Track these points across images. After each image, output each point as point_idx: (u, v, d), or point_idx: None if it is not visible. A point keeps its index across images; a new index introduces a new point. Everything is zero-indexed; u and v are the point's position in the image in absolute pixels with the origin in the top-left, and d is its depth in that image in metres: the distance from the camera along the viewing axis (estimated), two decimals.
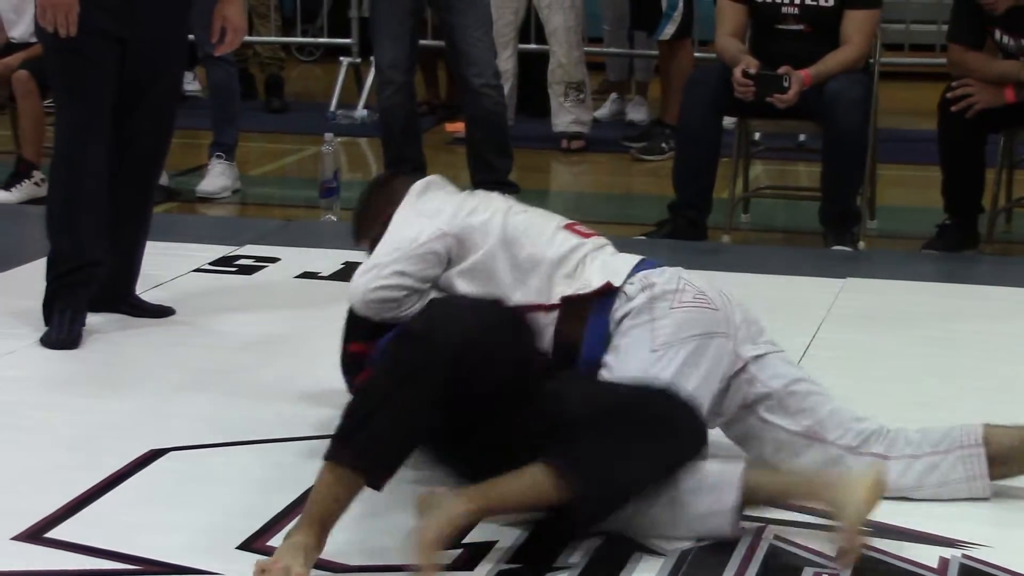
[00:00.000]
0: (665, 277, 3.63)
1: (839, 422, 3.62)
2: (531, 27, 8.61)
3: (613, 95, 9.06)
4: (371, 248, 3.85)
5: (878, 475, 3.32)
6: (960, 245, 6.07)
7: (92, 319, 4.82)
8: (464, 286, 3.68)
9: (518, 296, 3.63)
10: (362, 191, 4.12)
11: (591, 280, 3.63)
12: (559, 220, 3.81)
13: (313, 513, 3.18)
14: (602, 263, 3.67)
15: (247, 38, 8.29)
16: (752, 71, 5.98)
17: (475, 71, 6.44)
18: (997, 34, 5.98)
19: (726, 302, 3.66)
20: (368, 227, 3.94)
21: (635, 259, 3.71)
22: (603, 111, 8.94)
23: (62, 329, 4.69)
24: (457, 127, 7.98)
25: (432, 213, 3.74)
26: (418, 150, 6.70)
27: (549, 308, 3.62)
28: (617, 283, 3.61)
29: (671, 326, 3.53)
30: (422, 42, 7.48)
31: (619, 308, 3.58)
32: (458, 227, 3.70)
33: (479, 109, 6.50)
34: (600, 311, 3.60)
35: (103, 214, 4.76)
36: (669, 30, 7.85)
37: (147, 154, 4.89)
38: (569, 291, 3.62)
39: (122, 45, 4.68)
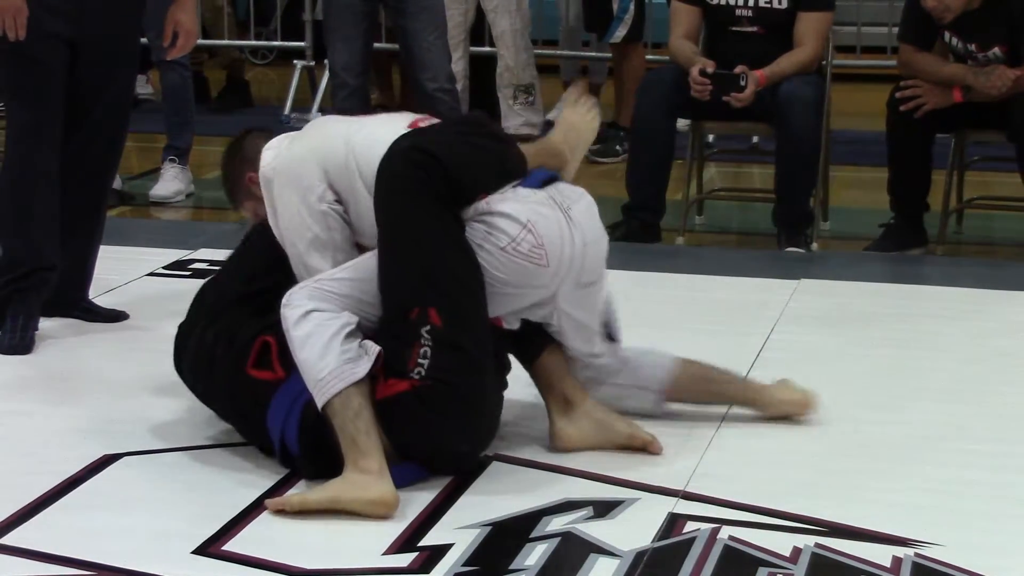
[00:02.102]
0: (514, 210, 3.70)
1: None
2: (484, 30, 8.60)
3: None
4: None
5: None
6: (906, 244, 6.11)
7: (45, 324, 4.79)
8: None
9: None
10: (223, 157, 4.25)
11: None
12: (406, 120, 3.90)
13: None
14: None
15: (202, 41, 8.31)
16: (709, 71, 6.01)
17: (429, 75, 6.44)
18: (946, 36, 6.02)
19: (563, 255, 3.74)
20: (238, 195, 4.15)
21: None
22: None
23: (15, 334, 4.67)
24: None
25: (297, 185, 3.84)
26: None
27: None
28: None
29: (490, 268, 3.68)
30: (376, 45, 7.46)
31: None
32: (326, 179, 3.81)
33: (433, 113, 6.50)
34: None
35: (55, 218, 4.74)
36: (620, 33, 7.86)
37: (100, 158, 4.86)
38: None
39: (72, 48, 4.66)
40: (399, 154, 3.66)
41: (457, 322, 3.60)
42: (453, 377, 3.59)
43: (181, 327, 4.04)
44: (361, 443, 3.51)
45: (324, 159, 3.83)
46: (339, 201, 3.81)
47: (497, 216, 3.70)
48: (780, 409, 4.08)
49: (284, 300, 3.66)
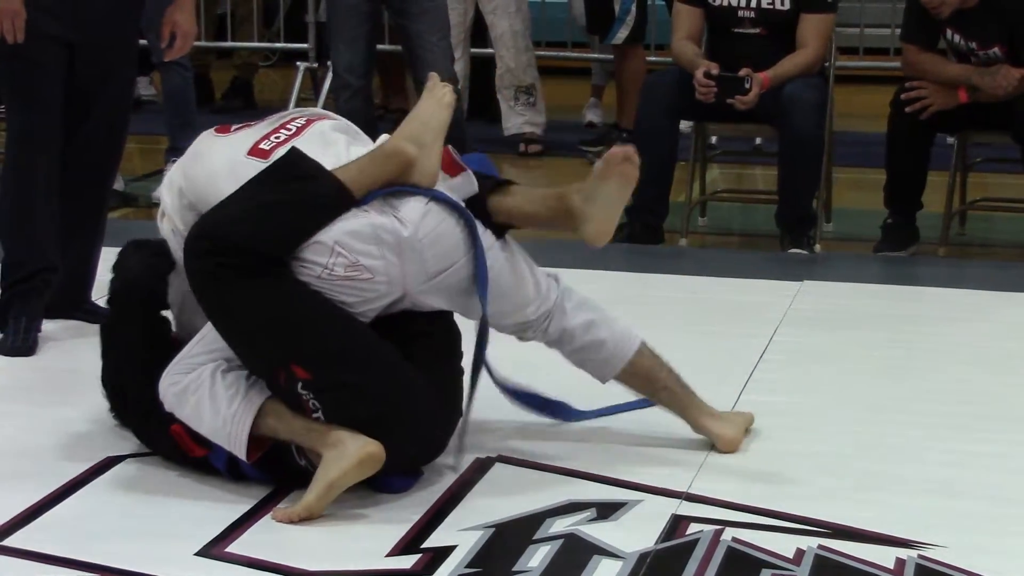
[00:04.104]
0: (319, 237, 3.55)
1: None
2: (486, 31, 8.59)
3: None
4: None
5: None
6: (906, 242, 6.12)
7: (47, 326, 4.79)
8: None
9: None
10: None
11: None
12: (246, 146, 3.79)
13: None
14: None
15: (204, 43, 8.32)
16: (714, 72, 6.01)
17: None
18: (949, 33, 6.02)
19: (388, 261, 3.58)
20: None
21: None
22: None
23: (17, 336, 4.67)
24: None
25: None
26: None
27: None
28: None
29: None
30: (380, 46, 7.46)
31: None
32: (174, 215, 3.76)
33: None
34: None
35: (56, 220, 4.74)
36: (622, 34, 7.86)
37: (101, 159, 4.87)
38: None
39: (70, 50, 4.66)
40: (187, 250, 3.56)
41: (325, 362, 3.52)
42: (353, 412, 3.51)
43: (125, 422, 3.99)
44: (315, 427, 3.50)
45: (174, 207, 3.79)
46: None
47: (304, 248, 3.55)
48: (705, 435, 3.93)
49: (159, 391, 3.64)
